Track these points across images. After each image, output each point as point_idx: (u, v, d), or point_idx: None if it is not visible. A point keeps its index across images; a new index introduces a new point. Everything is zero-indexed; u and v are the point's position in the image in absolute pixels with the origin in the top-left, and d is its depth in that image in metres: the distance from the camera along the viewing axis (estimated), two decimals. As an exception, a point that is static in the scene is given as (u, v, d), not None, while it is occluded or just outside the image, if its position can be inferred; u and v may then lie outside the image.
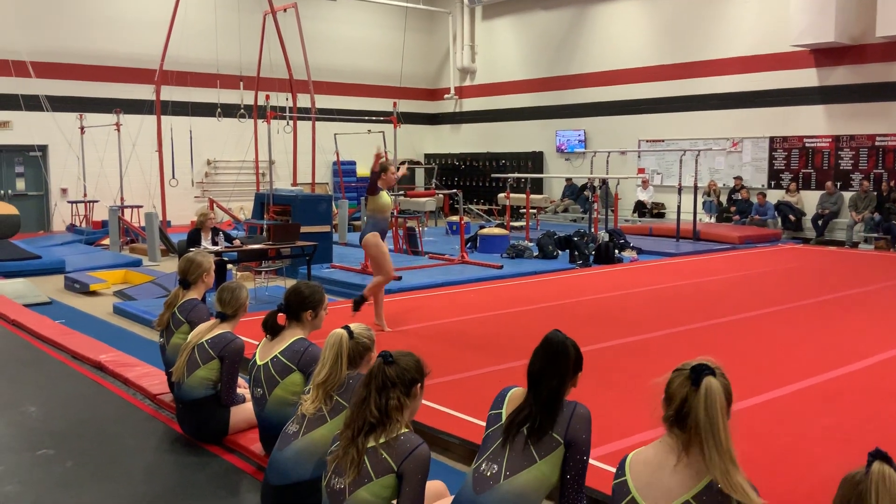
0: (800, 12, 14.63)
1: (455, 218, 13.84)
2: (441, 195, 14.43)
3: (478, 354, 6.10)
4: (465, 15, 22.24)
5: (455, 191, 12.61)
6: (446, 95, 23.06)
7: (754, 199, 15.80)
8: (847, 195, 14.91)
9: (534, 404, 2.59)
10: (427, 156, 23.30)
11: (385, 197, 6.88)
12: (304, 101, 16.45)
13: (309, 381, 3.26)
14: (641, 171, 18.09)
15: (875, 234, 13.97)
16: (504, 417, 2.66)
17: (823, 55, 15.10)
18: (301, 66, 15.58)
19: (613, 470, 3.63)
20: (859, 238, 14.28)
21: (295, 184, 15.02)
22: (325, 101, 18.36)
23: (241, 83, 16.28)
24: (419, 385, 2.70)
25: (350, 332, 3.11)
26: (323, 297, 3.93)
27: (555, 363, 2.61)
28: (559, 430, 2.56)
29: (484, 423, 2.82)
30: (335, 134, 16.60)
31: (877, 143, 14.71)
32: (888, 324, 7.21)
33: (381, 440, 2.56)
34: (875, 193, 14.36)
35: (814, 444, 4.18)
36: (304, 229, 9.60)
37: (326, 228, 11.17)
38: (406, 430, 2.61)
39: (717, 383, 2.11)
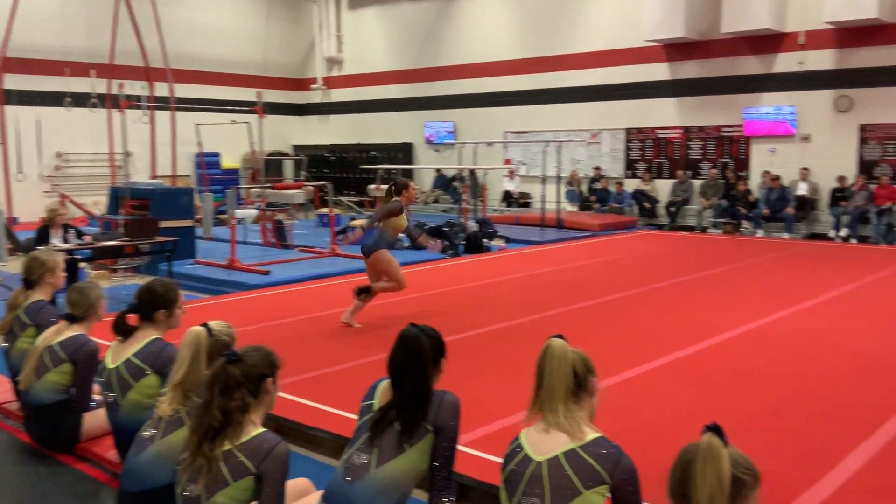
0: (652, 8, 15.38)
1: (325, 210, 13.67)
2: (310, 187, 14.20)
3: (348, 347, 6.05)
4: (330, 4, 21.94)
5: (324, 183, 12.41)
6: (313, 86, 22.69)
7: (613, 188, 16.51)
8: (697, 183, 15.85)
9: (399, 397, 2.60)
10: (296, 147, 22.87)
11: (403, 218, 6.68)
12: (162, 90, 15.75)
13: (166, 383, 3.12)
14: (508, 161, 18.50)
15: (723, 220, 14.93)
16: (376, 408, 2.66)
17: (674, 50, 15.94)
18: (158, 54, 14.89)
19: (487, 456, 3.73)
20: (708, 223, 15.21)
21: (154, 176, 14.37)
22: (185, 91, 17.64)
23: (93, 71, 15.37)
24: (270, 380, 2.62)
25: (209, 330, 3.00)
26: (178, 295, 3.76)
27: (413, 359, 2.63)
28: (429, 419, 2.58)
29: (355, 417, 2.81)
30: (197, 124, 15.98)
31: (723, 134, 15.71)
32: (735, 302, 7.72)
33: (236, 442, 2.48)
34: (722, 181, 15.33)
35: (672, 418, 4.41)
36: (164, 224, 9.20)
37: (189, 223, 10.75)
38: (262, 429, 2.54)
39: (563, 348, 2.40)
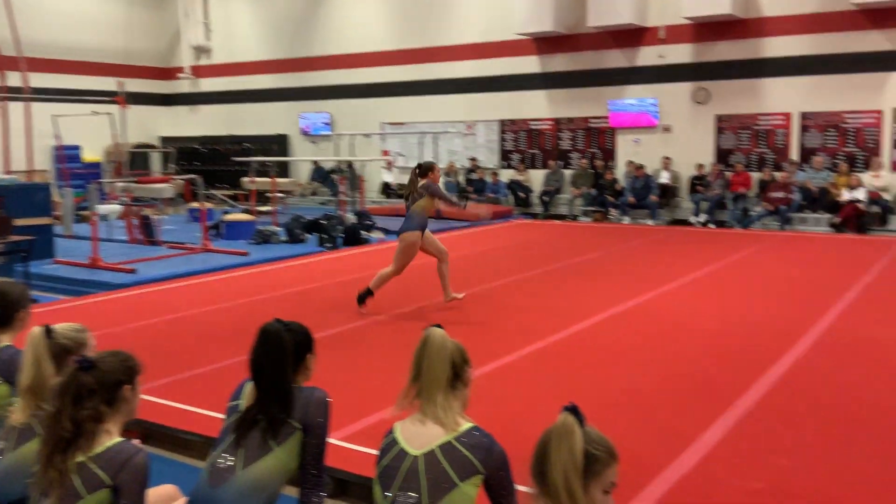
0: (521, 3, 15.71)
1: (196, 204, 13.19)
2: (180, 181, 13.68)
3: (221, 346, 5.87)
4: (197, -10, 21.17)
5: (193, 176, 11.97)
6: (180, 74, 21.82)
7: (489, 179, 16.81)
8: (568, 173, 16.37)
9: (262, 396, 2.56)
10: (163, 139, 21.95)
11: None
12: (15, 79, 14.71)
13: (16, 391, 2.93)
14: (386, 153, 18.47)
15: (592, 208, 15.50)
16: (242, 408, 2.59)
17: (544, 43, 16.37)
18: (10, 42, 13.89)
19: (365, 450, 3.73)
20: (579, 212, 15.75)
21: (8, 172, 13.43)
22: (40, 80, 16.56)
23: (-67, 58, 14.19)
24: (128, 387, 2.50)
25: (48, 331, 2.82)
26: (23, 297, 3.53)
27: (272, 354, 2.58)
28: (296, 416, 2.54)
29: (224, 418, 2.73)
30: (54, 116, 15.05)
31: (591, 125, 16.28)
32: (603, 287, 8.04)
33: (90, 454, 2.36)
34: (591, 171, 15.91)
35: (542, 402, 4.55)
36: (18, 222, 8.63)
37: (47, 220, 10.12)
38: (118, 439, 2.43)
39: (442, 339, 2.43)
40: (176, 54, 22.04)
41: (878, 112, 13.42)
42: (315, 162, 19.15)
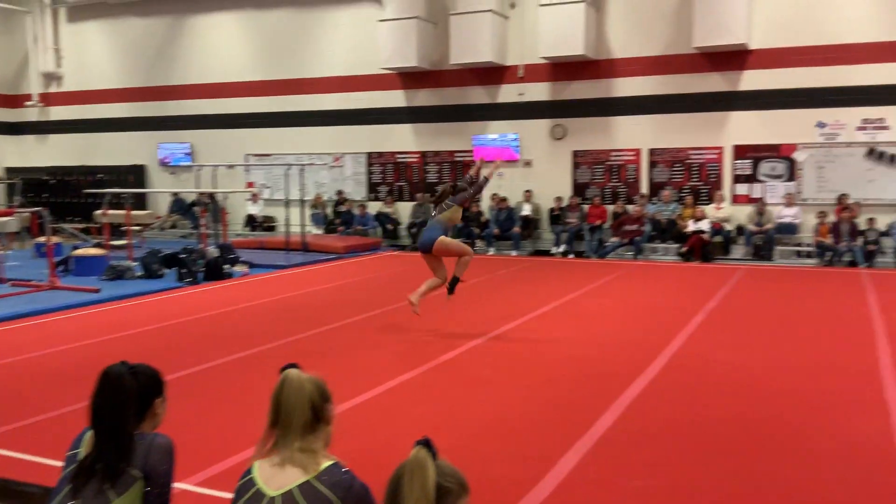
0: (386, 38, 15.92)
1: (43, 239, 12.38)
2: (26, 213, 12.80)
3: (64, 391, 5.50)
4: (46, 15, 20.06)
5: (40, 208, 11.24)
6: (28, 102, 20.54)
7: (356, 211, 16.79)
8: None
9: (101, 443, 2.41)
10: (8, 170, 20.53)
11: (459, 212, 7.74)
12: None
13: None
14: (250, 184, 18.09)
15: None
16: (81, 458, 2.43)
17: (409, 78, 16.63)
18: None
19: (221, 494, 3.58)
20: (447, 243, 15.96)
21: None
22: None
23: None
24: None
25: None
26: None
27: (112, 399, 2.44)
28: (137, 464, 2.41)
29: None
30: None
31: (456, 159, 16.63)
32: (469, 318, 8.16)
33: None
34: (457, 203, 16.20)
35: (407, 434, 4.54)
36: None
37: None
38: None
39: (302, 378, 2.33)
40: (24, 81, 20.77)
41: (720, 148, 14.48)
42: (175, 194, 18.47)
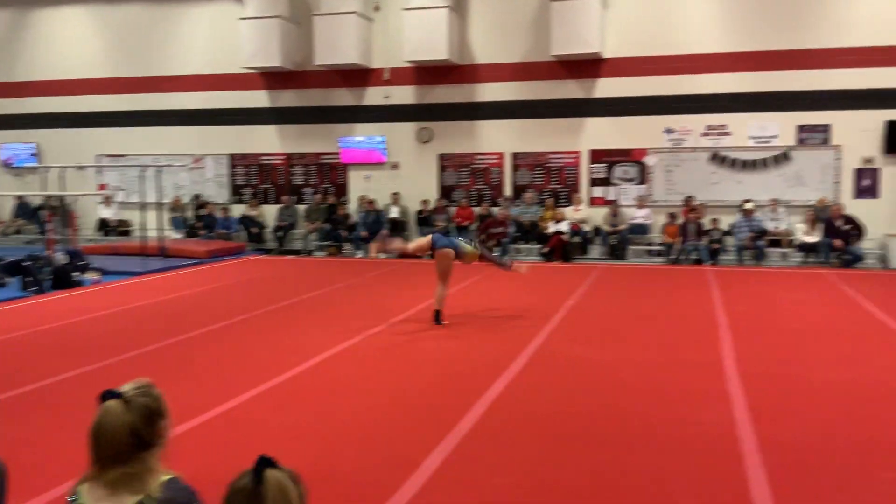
0: (248, 37, 15.53)
1: None
2: None
3: None
4: None
5: None
6: None
7: (219, 214, 16.27)
8: (301, 208, 16.35)
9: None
10: None
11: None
12: None
13: None
14: (103, 187, 17.15)
15: (327, 242, 15.60)
16: None
17: (273, 78, 16.29)
18: None
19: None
20: (314, 246, 15.78)
21: None
22: None
23: None
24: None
25: None
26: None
27: None
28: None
29: None
30: None
31: (322, 161, 16.45)
32: (339, 321, 8.09)
33: None
34: (325, 206, 16.04)
35: (262, 445, 4.45)
36: None
37: None
38: None
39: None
40: None
41: (577, 153, 15.07)
42: (19, 197, 17.24)
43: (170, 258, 13.69)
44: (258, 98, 16.49)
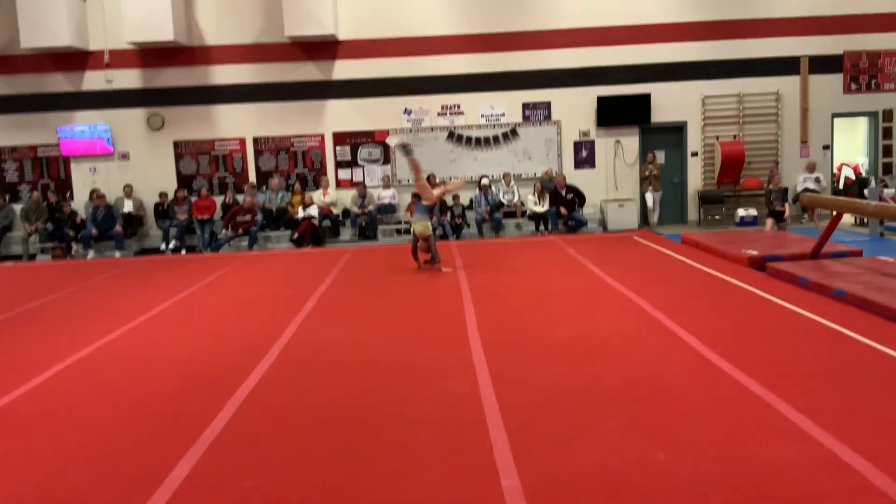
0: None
1: None
2: None
3: None
4: None
5: None
6: None
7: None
8: (18, 207, 14.66)
9: None
10: None
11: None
12: None
13: None
14: None
15: (51, 244, 14.14)
16: None
17: (-30, 63, 14.38)
18: None
19: None
20: (36, 250, 14.24)
21: None
22: None
23: None
24: None
25: None
26: None
27: None
28: None
29: None
30: None
31: (39, 154, 14.85)
32: (66, 332, 7.35)
33: None
34: (45, 204, 14.51)
35: (-16, 482, 3.93)
36: None
37: None
38: None
39: None
40: None
41: (321, 136, 14.99)
42: None
43: None
44: (-48, 86, 14.49)
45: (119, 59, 14.57)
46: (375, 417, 4.58)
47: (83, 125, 14.65)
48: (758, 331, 6.24)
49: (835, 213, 9.28)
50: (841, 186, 15.67)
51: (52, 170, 14.89)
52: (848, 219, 13.49)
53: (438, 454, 4.01)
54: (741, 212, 14.51)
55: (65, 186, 14.91)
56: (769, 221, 12.51)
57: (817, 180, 14.45)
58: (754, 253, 9.33)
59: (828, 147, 15.22)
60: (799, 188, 14.38)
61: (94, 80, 14.67)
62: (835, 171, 15.89)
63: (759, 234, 11.56)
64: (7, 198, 14.74)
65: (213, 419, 4.65)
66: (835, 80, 15.01)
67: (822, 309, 6.82)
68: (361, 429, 4.40)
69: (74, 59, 14.53)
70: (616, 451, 3.91)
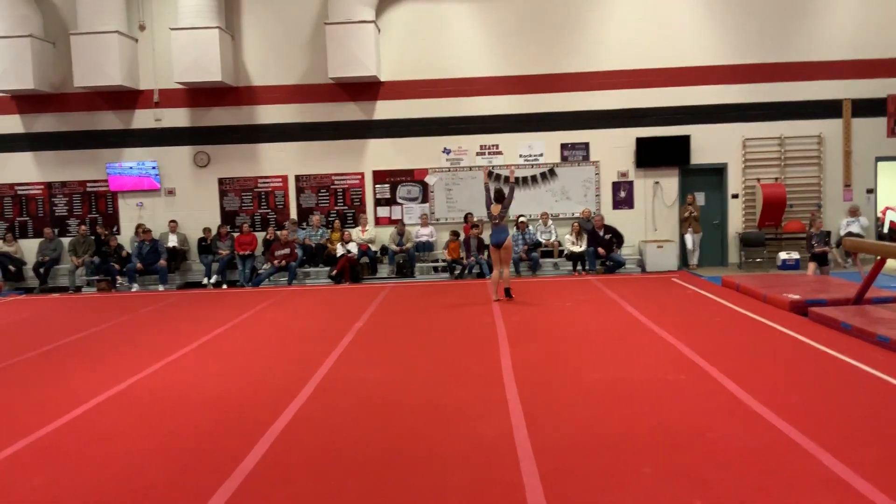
0: (-5, 57, 14.14)
1: None
2: None
3: None
4: None
5: None
6: None
7: (-32, 252, 14.59)
8: (66, 240, 15.07)
9: None
10: None
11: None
12: None
13: None
14: None
15: (97, 277, 14.47)
16: None
17: (26, 102, 14.93)
18: None
19: None
20: (82, 282, 14.58)
21: None
22: None
23: None
24: None
25: None
26: None
27: None
28: None
29: None
30: None
31: (88, 189, 15.28)
32: (108, 364, 7.50)
33: None
34: (93, 237, 14.88)
35: (24, 511, 4.01)
36: None
37: None
38: None
39: None
40: None
41: (361, 174, 15.19)
42: None
43: None
44: (10, 123, 15.05)
45: (168, 98, 15.01)
46: (407, 458, 4.58)
47: (132, 162, 15.08)
48: (798, 377, 6.12)
49: (878, 257, 9.09)
50: (885, 230, 15.35)
51: (99, 204, 15.30)
52: (892, 264, 13.20)
53: (470, 498, 3.98)
54: (783, 255, 14.29)
55: (112, 220, 15.31)
56: (811, 265, 12.31)
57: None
58: (796, 297, 9.18)
59: (871, 191, 14.97)
60: (842, 232, 14.14)
61: (143, 119, 15.12)
62: (879, 214, 15.59)
63: (801, 278, 11.37)
64: (56, 231, 15.16)
65: (246, 456, 4.69)
66: (878, 124, 14.82)
67: (865, 355, 6.67)
68: (393, 470, 4.40)
69: (125, 98, 15.00)
70: (651, 499, 3.85)
